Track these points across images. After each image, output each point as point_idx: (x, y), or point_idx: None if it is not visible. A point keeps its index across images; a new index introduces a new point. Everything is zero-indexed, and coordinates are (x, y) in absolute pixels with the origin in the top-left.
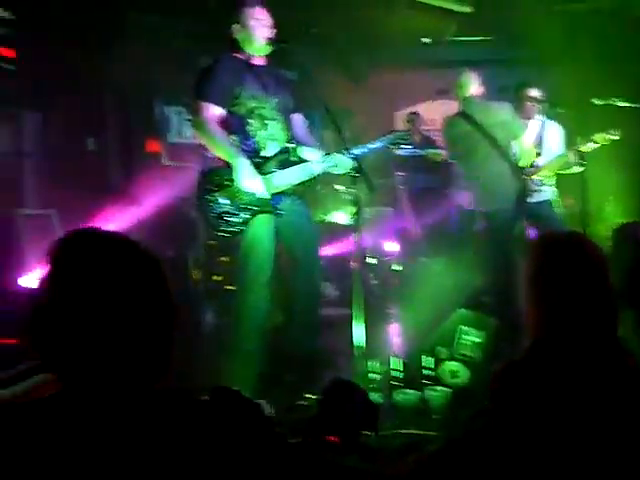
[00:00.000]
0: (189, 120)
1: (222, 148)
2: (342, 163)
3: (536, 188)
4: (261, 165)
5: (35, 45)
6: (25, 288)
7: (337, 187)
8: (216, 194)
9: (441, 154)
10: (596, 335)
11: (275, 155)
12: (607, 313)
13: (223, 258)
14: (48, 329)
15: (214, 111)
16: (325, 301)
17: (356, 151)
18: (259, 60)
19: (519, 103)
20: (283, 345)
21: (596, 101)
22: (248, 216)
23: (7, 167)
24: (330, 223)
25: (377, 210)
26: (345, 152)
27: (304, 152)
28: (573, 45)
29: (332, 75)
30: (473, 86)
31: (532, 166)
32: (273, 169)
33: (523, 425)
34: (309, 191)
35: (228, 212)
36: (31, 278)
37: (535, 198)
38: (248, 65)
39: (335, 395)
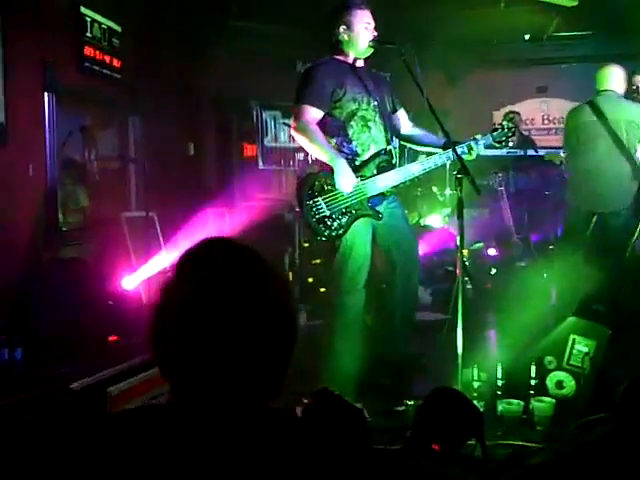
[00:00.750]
0: (285, 124)
1: (322, 151)
2: (444, 162)
3: None
4: (361, 168)
5: (138, 54)
6: (129, 288)
7: (434, 189)
8: (319, 199)
9: (560, 156)
10: None
11: (375, 157)
12: None
13: (317, 260)
14: (172, 337)
15: (314, 114)
16: (419, 305)
17: (459, 149)
18: (360, 61)
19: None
20: (379, 349)
21: None
22: (348, 220)
23: (113, 171)
24: (424, 225)
25: (475, 212)
26: (446, 151)
27: (418, 147)
28: None
29: (429, 74)
30: (612, 80)
31: None
32: (373, 172)
33: None
34: (405, 193)
35: (330, 217)
36: (135, 279)
37: None
38: (350, 67)
39: (438, 403)
